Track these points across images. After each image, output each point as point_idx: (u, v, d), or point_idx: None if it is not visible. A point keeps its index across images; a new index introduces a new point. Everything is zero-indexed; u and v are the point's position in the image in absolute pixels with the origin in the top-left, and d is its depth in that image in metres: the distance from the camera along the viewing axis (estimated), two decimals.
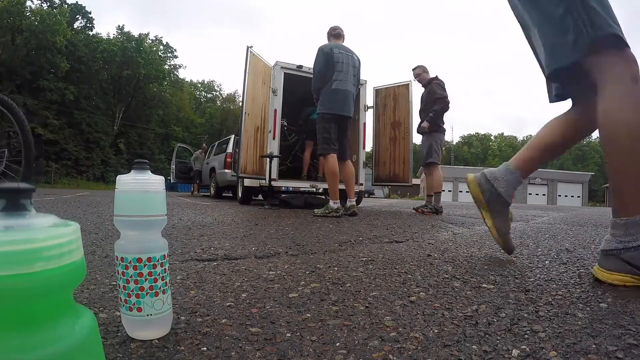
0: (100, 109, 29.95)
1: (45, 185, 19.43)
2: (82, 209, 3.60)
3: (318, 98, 3.52)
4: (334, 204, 3.42)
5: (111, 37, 32.09)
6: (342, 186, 3.99)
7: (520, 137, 73.97)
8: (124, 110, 31.86)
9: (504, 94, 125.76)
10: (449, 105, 4.20)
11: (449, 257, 1.51)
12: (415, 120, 4.94)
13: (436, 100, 4.14)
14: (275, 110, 4.87)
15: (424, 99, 4.37)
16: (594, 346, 0.68)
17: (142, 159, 0.70)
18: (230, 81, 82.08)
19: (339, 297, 0.97)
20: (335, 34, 3.68)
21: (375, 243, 1.86)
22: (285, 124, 5.90)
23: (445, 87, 4.29)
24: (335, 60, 3.44)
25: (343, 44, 3.68)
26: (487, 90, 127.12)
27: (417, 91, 5.13)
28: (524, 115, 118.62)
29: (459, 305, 0.91)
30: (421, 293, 1.01)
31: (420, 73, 4.44)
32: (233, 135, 7.55)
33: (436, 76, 4.41)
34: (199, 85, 48.96)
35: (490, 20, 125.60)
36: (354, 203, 3.65)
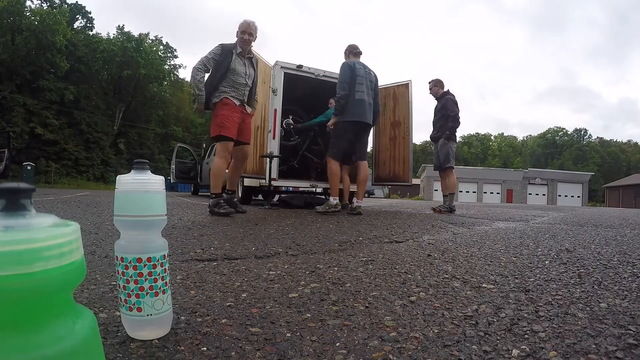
0: (100, 109, 29.92)
1: (45, 185, 19.44)
2: (82, 209, 3.60)
3: (344, 105, 3.79)
4: (333, 200, 3.74)
5: (111, 37, 32.10)
6: (353, 187, 4.38)
7: (520, 137, 74.03)
8: (124, 110, 31.85)
9: (496, 95, 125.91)
10: (460, 121, 4.67)
11: (449, 257, 1.51)
12: (415, 120, 5.15)
13: (449, 117, 4.54)
14: (275, 110, 4.87)
15: (437, 112, 4.75)
16: (594, 346, 0.68)
17: (142, 159, 0.70)
18: None
19: (339, 297, 0.97)
20: (355, 52, 4.03)
21: (375, 243, 1.86)
22: (292, 122, 5.81)
23: (457, 101, 4.66)
24: (357, 74, 3.80)
25: (361, 60, 4.03)
26: (482, 91, 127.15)
27: (416, 92, 5.16)
28: (507, 117, 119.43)
29: (459, 305, 0.91)
30: (421, 293, 1.01)
31: (433, 87, 4.81)
32: None
33: (448, 90, 4.75)
34: None
35: (491, 21, 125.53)
36: (361, 204, 3.94)
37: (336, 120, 3.83)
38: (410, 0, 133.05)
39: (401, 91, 5.28)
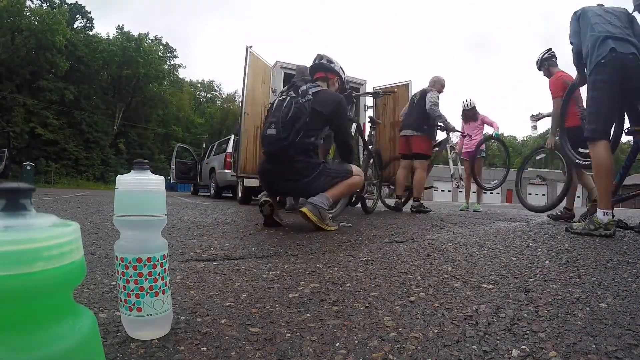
0: (100, 109, 29.97)
1: (45, 185, 19.44)
2: (82, 209, 3.60)
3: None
4: (604, 215, 2.19)
5: (111, 37, 32.14)
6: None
7: (520, 137, 73.99)
8: (123, 110, 31.88)
9: (496, 95, 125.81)
10: None
11: (449, 257, 1.51)
12: None
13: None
14: None
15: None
16: (594, 346, 0.68)
17: (142, 159, 0.70)
18: (230, 81, 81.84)
19: (339, 297, 0.97)
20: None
21: (375, 243, 1.86)
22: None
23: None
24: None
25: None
26: (481, 91, 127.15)
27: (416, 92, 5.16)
28: (508, 117, 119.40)
29: (459, 305, 0.91)
30: (421, 293, 1.01)
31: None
32: (233, 135, 7.54)
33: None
34: (199, 85, 48.95)
35: (490, 20, 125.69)
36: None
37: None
38: (410, 1, 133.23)
39: (401, 92, 5.28)
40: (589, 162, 2.91)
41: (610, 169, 2.24)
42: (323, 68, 2.69)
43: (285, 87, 2.61)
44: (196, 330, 0.73)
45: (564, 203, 3.81)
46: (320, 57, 2.73)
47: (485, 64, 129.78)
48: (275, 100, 2.59)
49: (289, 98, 2.44)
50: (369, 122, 4.51)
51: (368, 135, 4.49)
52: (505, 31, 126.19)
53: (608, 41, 2.21)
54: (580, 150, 3.16)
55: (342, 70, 2.77)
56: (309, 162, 2.36)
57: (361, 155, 4.02)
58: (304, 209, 2.21)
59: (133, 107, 32.74)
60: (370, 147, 4.08)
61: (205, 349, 0.66)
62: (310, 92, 2.41)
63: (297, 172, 2.35)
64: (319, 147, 2.58)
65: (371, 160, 3.95)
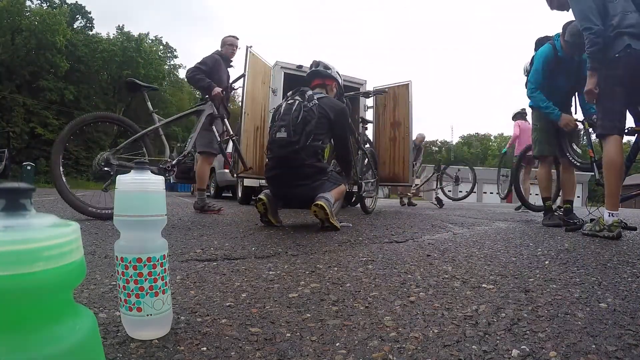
0: (100, 109, 29.96)
1: (45, 185, 19.43)
2: None
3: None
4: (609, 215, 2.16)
5: (111, 37, 32.15)
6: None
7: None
8: (124, 110, 31.85)
9: (496, 95, 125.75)
10: None
11: (449, 257, 1.51)
12: (415, 120, 5.10)
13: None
14: None
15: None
16: (594, 346, 0.68)
17: (142, 159, 0.70)
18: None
19: (339, 297, 0.97)
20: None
21: (375, 243, 1.86)
22: None
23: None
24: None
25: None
26: (481, 91, 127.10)
27: (416, 92, 5.17)
28: (507, 117, 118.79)
29: (458, 305, 0.91)
30: (421, 293, 1.01)
31: None
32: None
33: None
34: None
35: (489, 21, 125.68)
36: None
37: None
38: (411, 1, 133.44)
39: (401, 92, 5.28)
40: (587, 165, 2.92)
41: (621, 168, 2.22)
42: (320, 75, 2.75)
43: (291, 92, 2.64)
44: (196, 330, 0.73)
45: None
46: (316, 63, 2.79)
47: (484, 63, 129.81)
48: (282, 104, 2.62)
49: (297, 102, 2.46)
50: (360, 122, 4.54)
51: (360, 135, 4.51)
52: (498, 27, 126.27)
53: (624, 37, 2.15)
54: (575, 147, 3.19)
55: (339, 74, 2.84)
56: (317, 167, 2.40)
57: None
58: (320, 202, 2.20)
59: (133, 107, 32.71)
60: (366, 146, 4.09)
61: (205, 349, 0.66)
62: (316, 98, 2.45)
63: (305, 176, 2.38)
64: (325, 150, 2.61)
65: (366, 160, 3.96)
